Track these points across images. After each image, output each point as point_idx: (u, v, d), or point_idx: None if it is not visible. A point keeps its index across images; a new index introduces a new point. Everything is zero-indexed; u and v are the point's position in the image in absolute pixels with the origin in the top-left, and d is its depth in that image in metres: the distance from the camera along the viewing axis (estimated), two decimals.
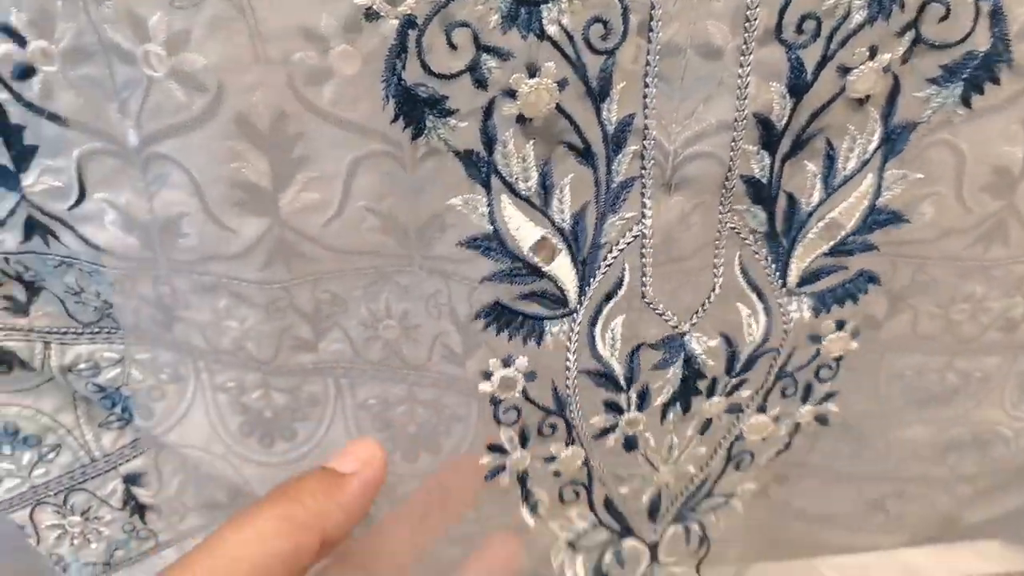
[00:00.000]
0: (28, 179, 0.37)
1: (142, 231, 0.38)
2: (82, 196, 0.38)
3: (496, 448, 0.44)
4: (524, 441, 0.44)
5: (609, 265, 0.39)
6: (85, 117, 0.35)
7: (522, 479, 0.46)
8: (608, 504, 0.48)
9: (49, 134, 0.36)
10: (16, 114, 0.35)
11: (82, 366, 0.45)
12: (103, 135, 0.35)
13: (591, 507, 0.48)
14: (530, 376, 0.41)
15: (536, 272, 0.38)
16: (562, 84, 0.34)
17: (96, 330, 0.45)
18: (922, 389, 0.48)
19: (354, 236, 0.38)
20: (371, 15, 0.31)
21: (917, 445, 0.51)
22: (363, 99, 0.34)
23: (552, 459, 0.45)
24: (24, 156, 0.37)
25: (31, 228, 0.40)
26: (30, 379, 0.46)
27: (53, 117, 0.35)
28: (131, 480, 0.49)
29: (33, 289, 0.44)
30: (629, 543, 0.51)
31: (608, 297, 0.40)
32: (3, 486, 0.47)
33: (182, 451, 0.47)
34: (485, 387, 0.42)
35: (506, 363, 0.41)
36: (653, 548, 0.51)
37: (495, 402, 0.42)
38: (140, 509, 0.50)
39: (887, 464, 0.52)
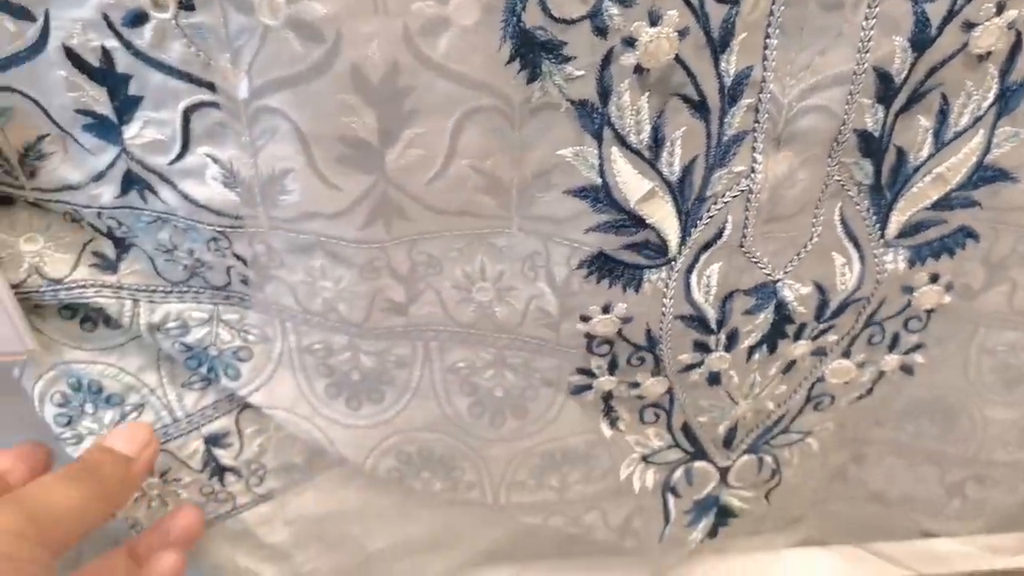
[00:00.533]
0: (130, 131, 0.37)
1: (244, 187, 0.38)
2: (184, 150, 0.37)
3: (585, 371, 0.45)
4: (612, 369, 0.45)
5: (711, 216, 0.39)
6: (194, 68, 0.35)
7: (606, 397, 0.47)
8: (686, 428, 0.50)
9: (155, 84, 0.35)
10: (124, 63, 0.35)
11: (171, 325, 0.45)
12: (210, 87, 0.35)
13: (668, 429, 0.50)
14: (626, 320, 0.42)
15: (640, 223, 0.39)
16: (683, 33, 0.33)
17: (185, 289, 0.45)
18: (1013, 368, 0.48)
19: (456, 195, 0.38)
20: None
21: (1003, 427, 0.51)
22: (476, 52, 0.34)
23: (636, 385, 0.46)
24: (128, 107, 0.36)
25: (129, 182, 0.39)
26: (115, 337, 0.46)
27: (162, 66, 0.35)
28: (212, 441, 0.49)
29: (123, 246, 0.44)
30: (700, 464, 0.52)
31: (707, 246, 0.40)
32: (85, 445, 0.47)
33: (267, 412, 0.46)
34: (582, 327, 0.42)
35: (605, 309, 0.42)
36: (724, 472, 0.52)
37: (589, 337, 0.43)
38: (220, 471, 0.50)
39: (970, 446, 0.52)
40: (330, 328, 0.44)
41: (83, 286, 0.44)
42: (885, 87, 0.35)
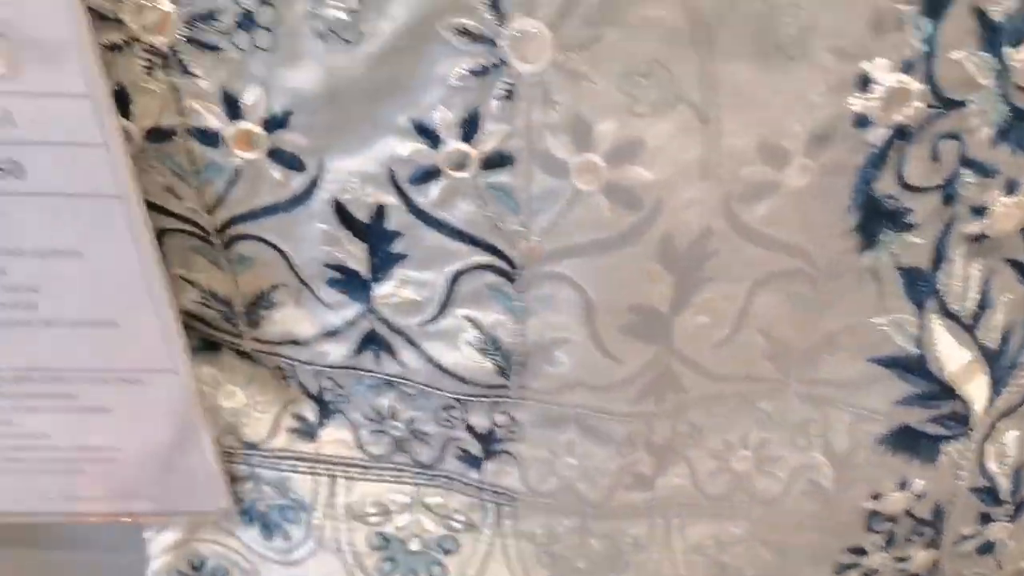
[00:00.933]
0: (382, 289, 0.33)
1: (502, 355, 0.34)
2: (441, 312, 0.33)
3: (857, 549, 0.40)
4: (889, 545, 0.40)
5: (1020, 384, 0.35)
6: (478, 229, 0.31)
7: (868, 574, 0.42)
8: None
9: (427, 244, 0.32)
10: (397, 220, 0.31)
11: (370, 510, 0.40)
12: (491, 249, 0.31)
13: None
14: (920, 496, 0.38)
15: (950, 394, 0.35)
16: None
17: (387, 465, 0.40)
18: None
19: (738, 362, 0.35)
20: (861, 122, 0.27)
21: None
22: (796, 216, 0.30)
23: (905, 559, 0.41)
24: (386, 265, 0.33)
25: (367, 341, 0.35)
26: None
27: (442, 226, 0.31)
28: None
29: (327, 410, 0.39)
30: None
31: (1006, 414, 0.36)
32: None
33: None
34: (868, 504, 0.38)
35: (902, 486, 0.37)
36: None
37: (871, 514, 0.39)
38: None
39: None
40: (558, 509, 0.39)
41: (279, 456, 0.40)
42: None
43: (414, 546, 0.40)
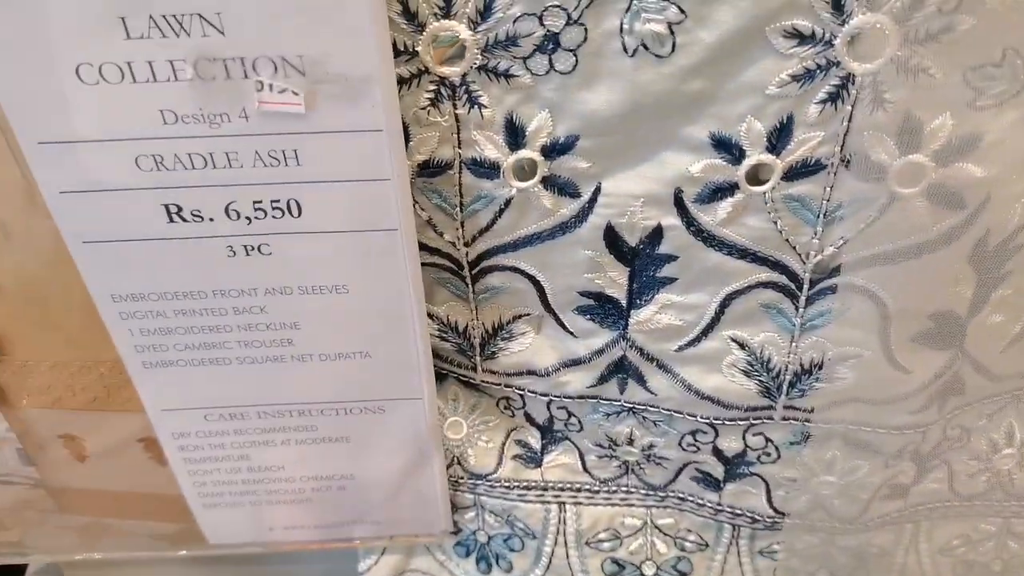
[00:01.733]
0: (641, 315, 0.31)
1: (769, 375, 0.31)
2: (706, 334, 0.31)
3: None
4: None
5: None
6: (765, 246, 0.28)
7: None
8: None
9: (703, 266, 0.29)
10: (673, 242, 0.29)
11: (601, 535, 0.38)
12: (776, 266, 0.29)
13: None
14: None
15: None
16: None
17: (614, 488, 0.38)
18: None
19: (1018, 361, 0.32)
20: None
21: None
22: None
23: None
24: (647, 290, 0.30)
25: (614, 370, 0.33)
26: None
27: (724, 245, 0.28)
28: None
29: (552, 438, 0.37)
30: None
31: None
32: None
33: None
34: None
35: None
36: None
37: None
38: None
39: None
40: (805, 528, 0.36)
41: (507, 486, 0.38)
42: None
43: (648, 571, 0.38)
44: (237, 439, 0.33)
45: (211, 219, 0.27)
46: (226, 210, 0.26)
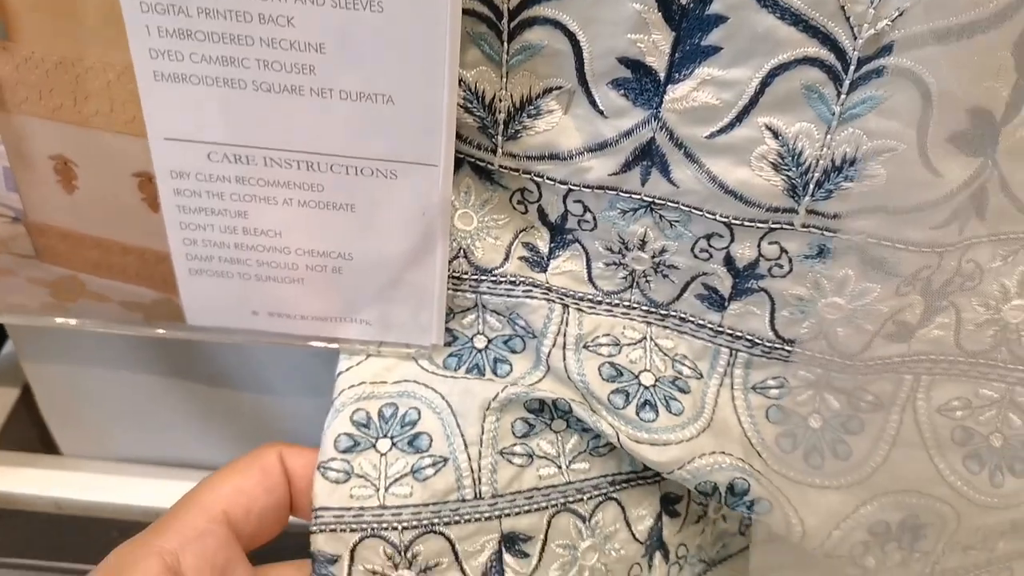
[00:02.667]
0: (678, 91, 0.30)
1: (798, 170, 0.31)
2: (740, 118, 0.30)
3: None
4: None
5: None
6: (821, 11, 0.28)
7: None
8: None
9: (752, 33, 0.29)
10: (726, 1, 0.28)
11: (601, 340, 0.38)
12: (825, 39, 0.28)
13: None
14: None
15: None
16: None
17: (616, 302, 0.38)
18: None
19: None
20: None
21: None
22: None
23: None
24: (690, 60, 0.30)
25: (640, 157, 0.33)
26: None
27: (779, 8, 0.28)
28: (509, 543, 0.38)
29: (560, 240, 0.37)
30: None
31: None
32: (345, 488, 0.36)
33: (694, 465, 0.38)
34: None
35: None
36: None
37: None
38: None
39: None
40: (799, 360, 0.36)
41: (512, 282, 0.37)
42: None
43: (647, 380, 0.37)
44: (238, 190, 0.32)
45: None
46: None
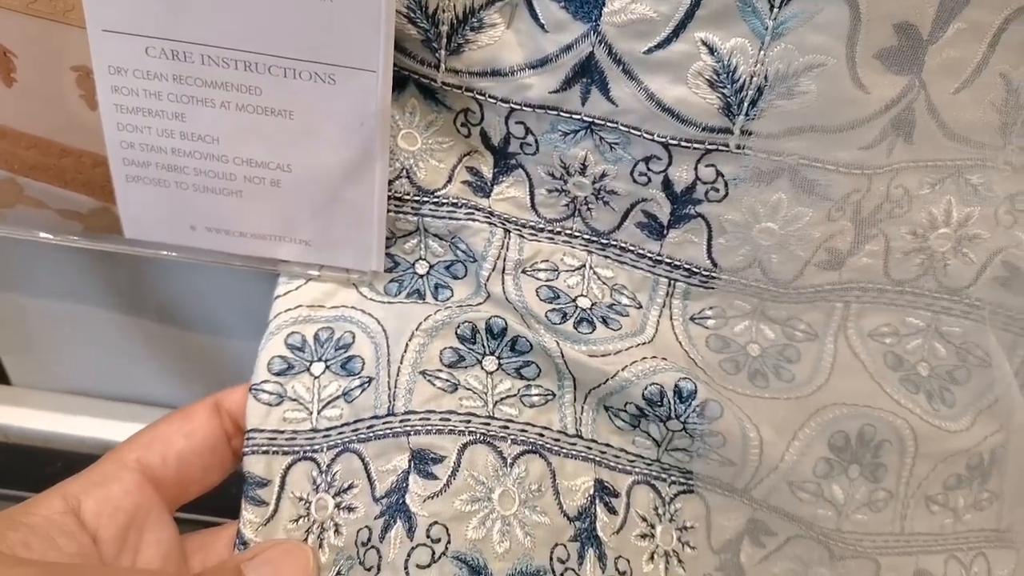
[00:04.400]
0: (616, 2, 0.31)
1: (733, 87, 0.31)
2: (677, 33, 0.31)
3: None
4: None
5: None
6: None
7: None
8: None
9: None
10: None
11: (540, 265, 0.38)
12: None
13: None
14: None
15: None
16: None
17: (558, 230, 0.38)
18: None
19: (969, 113, 0.33)
20: None
21: None
22: None
23: None
24: None
25: (579, 73, 0.33)
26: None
27: None
28: (418, 459, 0.38)
29: (504, 165, 0.37)
30: None
31: None
32: (279, 410, 0.37)
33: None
34: None
35: None
36: None
37: None
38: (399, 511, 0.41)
39: None
40: (737, 290, 0.37)
41: (455, 204, 0.37)
42: None
43: (584, 303, 0.37)
44: (175, 89, 0.32)
45: None
46: None
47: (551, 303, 0.38)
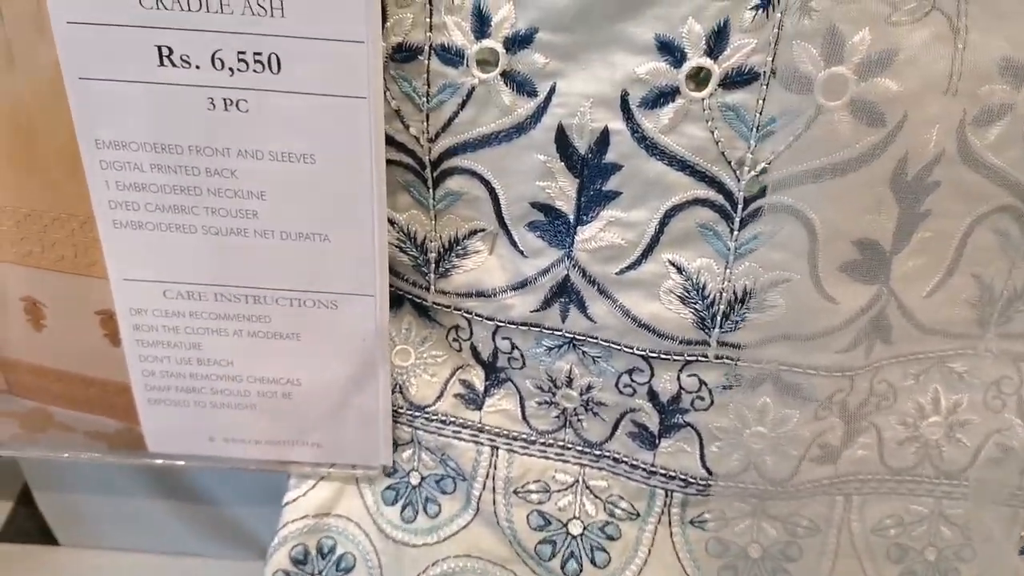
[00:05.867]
0: (586, 232, 0.34)
1: (704, 303, 0.34)
2: (644, 256, 0.34)
3: None
4: None
5: None
6: (704, 157, 0.32)
7: None
8: None
9: (645, 178, 0.33)
10: (619, 150, 0.33)
11: (531, 486, 0.41)
12: (712, 183, 0.32)
13: None
14: None
15: None
16: None
17: (549, 442, 0.41)
18: None
19: (945, 310, 0.35)
20: None
21: None
22: (1021, 142, 0.31)
23: None
24: (595, 203, 0.34)
25: (557, 293, 0.36)
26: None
27: (665, 155, 0.32)
28: None
29: (495, 378, 0.40)
30: None
31: None
32: None
33: None
34: None
35: None
36: None
37: None
38: None
39: None
40: (733, 492, 0.39)
41: (443, 421, 0.40)
42: None
43: (574, 529, 0.40)
44: (192, 323, 0.37)
45: (197, 66, 0.31)
46: (212, 58, 0.31)
47: (541, 531, 0.40)
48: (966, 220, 0.33)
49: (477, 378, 0.40)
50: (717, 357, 0.36)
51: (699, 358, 0.36)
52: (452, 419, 0.40)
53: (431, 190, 0.35)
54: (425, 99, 0.33)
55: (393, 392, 0.40)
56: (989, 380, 0.37)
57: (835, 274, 0.33)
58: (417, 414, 0.40)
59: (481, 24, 0.31)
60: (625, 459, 0.39)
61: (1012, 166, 0.32)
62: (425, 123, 0.34)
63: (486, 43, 0.31)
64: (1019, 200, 0.33)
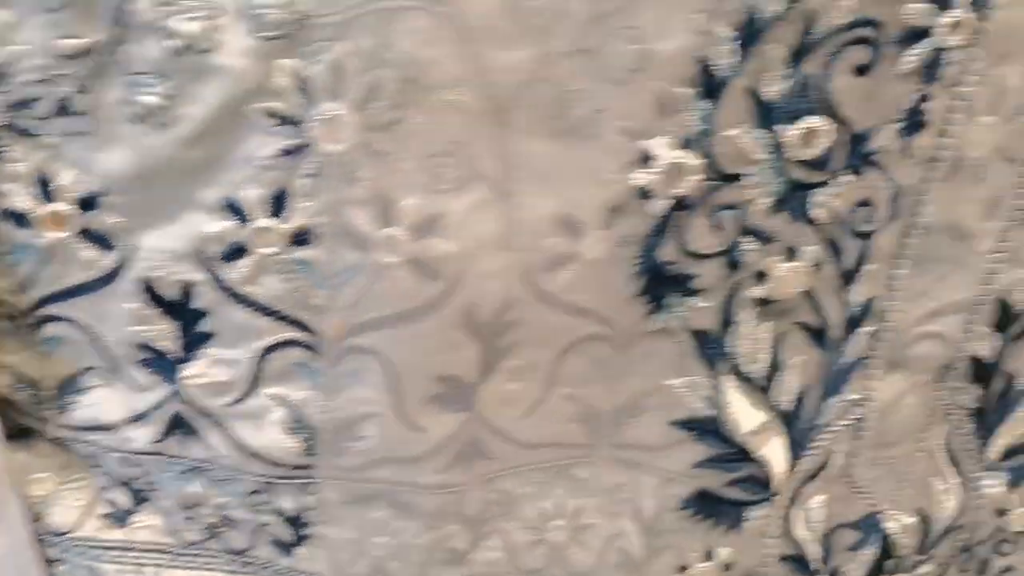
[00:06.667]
0: (191, 369, 0.36)
1: (309, 433, 0.36)
2: (249, 391, 0.36)
3: None
4: None
5: (819, 447, 0.40)
6: (285, 305, 0.34)
7: None
8: None
9: (234, 322, 0.34)
10: (206, 298, 0.34)
11: None
12: (298, 325, 0.34)
13: None
14: (728, 566, 0.41)
15: (745, 457, 0.39)
16: (818, 267, 0.35)
17: (197, 551, 0.42)
18: None
19: (546, 427, 0.38)
20: (645, 195, 0.32)
21: None
22: (595, 283, 0.34)
23: None
24: (196, 344, 0.35)
25: (173, 425, 0.37)
26: None
27: (248, 303, 0.34)
28: None
29: (137, 497, 0.41)
30: None
31: (810, 478, 0.40)
32: None
33: None
34: None
35: (708, 556, 0.41)
36: None
37: None
38: None
39: None
40: None
41: (88, 545, 0.41)
42: (1004, 315, 0.37)
43: None
44: None
45: None
46: None
47: None
48: (553, 349, 0.35)
49: (123, 497, 0.41)
50: (331, 478, 0.37)
51: (313, 480, 0.37)
52: (96, 543, 0.40)
53: (32, 336, 0.35)
54: (3, 256, 0.33)
55: (35, 522, 0.40)
56: (608, 487, 0.40)
57: (421, 406, 0.35)
58: (60, 539, 0.40)
59: (45, 190, 0.32)
60: (269, 564, 0.41)
61: (590, 301, 0.35)
62: (9, 277, 0.34)
63: (53, 207, 0.31)
64: (606, 328, 0.35)
